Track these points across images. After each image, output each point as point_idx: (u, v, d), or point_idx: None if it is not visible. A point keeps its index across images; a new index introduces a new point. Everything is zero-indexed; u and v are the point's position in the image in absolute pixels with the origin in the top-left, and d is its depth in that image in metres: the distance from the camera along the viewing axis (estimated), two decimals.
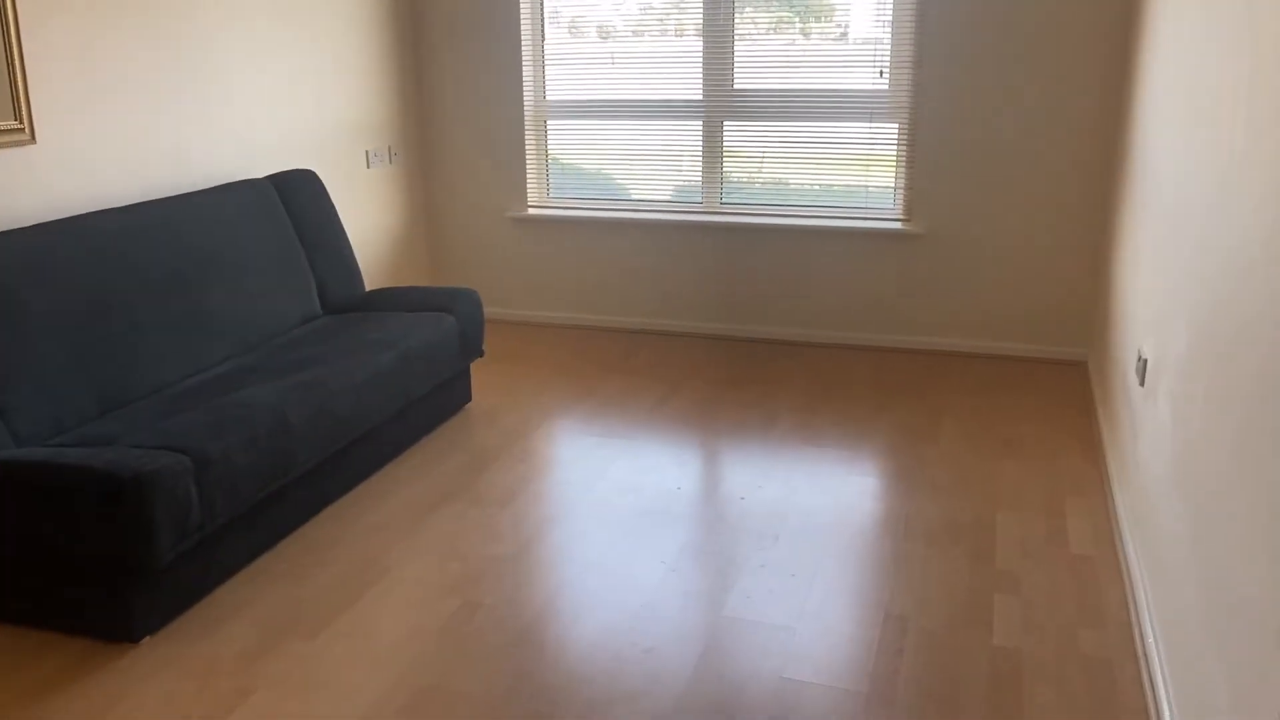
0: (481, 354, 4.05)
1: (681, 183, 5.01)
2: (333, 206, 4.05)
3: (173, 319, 3.21)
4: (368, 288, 4.85)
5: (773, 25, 4.68)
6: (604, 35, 4.95)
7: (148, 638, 2.56)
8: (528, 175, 5.15)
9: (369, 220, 4.84)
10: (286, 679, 2.40)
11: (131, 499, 2.37)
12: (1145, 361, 2.89)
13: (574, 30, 4.98)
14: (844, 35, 4.60)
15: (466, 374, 4.06)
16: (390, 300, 3.94)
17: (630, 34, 4.89)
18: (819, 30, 4.64)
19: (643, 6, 4.84)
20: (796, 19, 4.65)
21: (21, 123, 3.02)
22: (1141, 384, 2.92)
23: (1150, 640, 2.38)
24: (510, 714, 2.27)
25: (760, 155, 4.85)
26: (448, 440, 3.80)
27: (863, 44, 4.56)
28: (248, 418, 2.80)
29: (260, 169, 4.06)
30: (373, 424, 3.34)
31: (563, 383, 4.42)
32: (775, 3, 4.66)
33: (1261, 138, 1.86)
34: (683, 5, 4.77)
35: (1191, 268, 2.40)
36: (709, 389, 4.33)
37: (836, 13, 4.60)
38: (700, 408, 4.11)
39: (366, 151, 4.76)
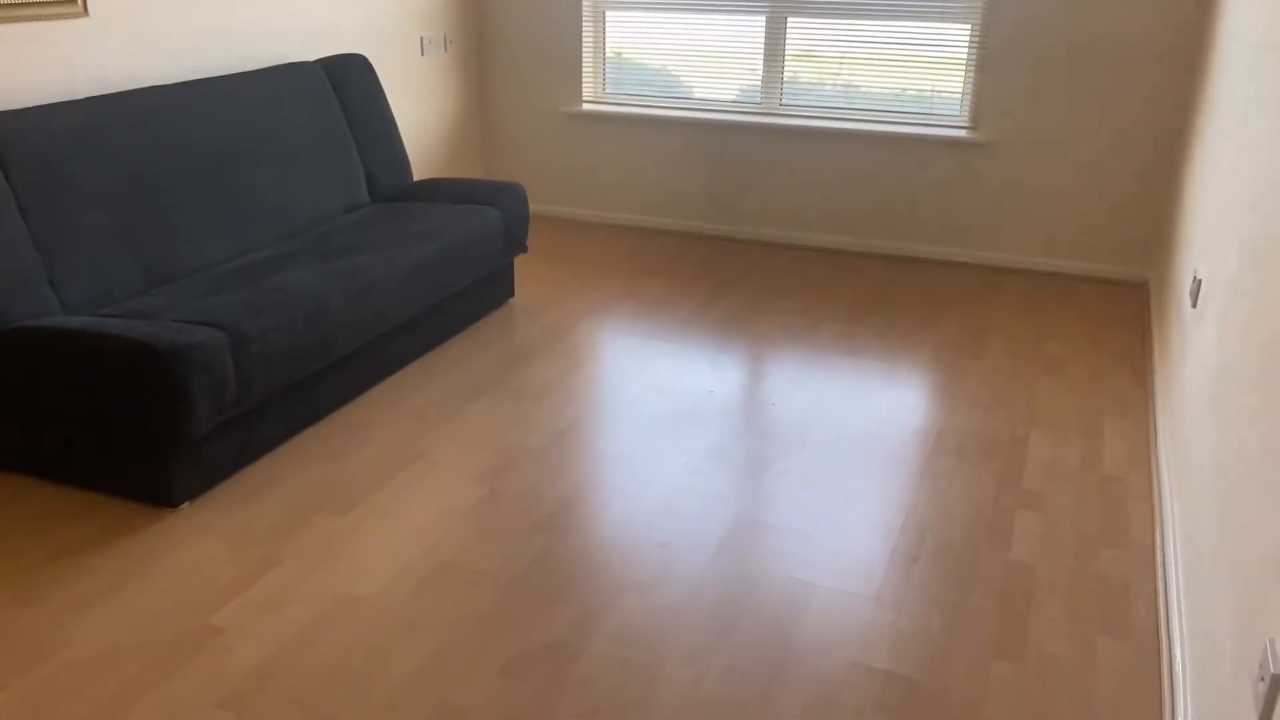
0: (525, 249, 4.05)
1: (741, 82, 4.88)
2: (383, 94, 4.04)
3: (219, 199, 3.26)
4: (417, 177, 4.86)
5: None
6: None
7: (186, 503, 2.67)
8: (583, 70, 5.06)
9: (421, 109, 4.82)
10: (312, 551, 2.49)
11: (168, 370, 2.45)
12: (1199, 283, 2.78)
13: None
14: None
15: (510, 269, 4.07)
16: (436, 191, 3.95)
17: None
18: None
19: None
20: None
21: None
22: (1194, 305, 2.81)
23: (1171, 564, 2.35)
24: (523, 593, 2.34)
25: (824, 55, 4.69)
26: (488, 333, 3.84)
27: None
28: (287, 300, 2.86)
29: (313, 52, 4.06)
30: (412, 314, 3.38)
31: (607, 282, 4.41)
32: None
33: None
34: None
35: (1250, 191, 2.28)
36: (754, 295, 4.28)
37: None
38: (743, 313, 4.08)
39: (421, 38, 4.72)
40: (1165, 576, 2.36)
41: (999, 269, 4.60)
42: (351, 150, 3.85)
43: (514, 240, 3.95)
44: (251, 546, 2.50)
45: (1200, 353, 2.55)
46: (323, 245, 3.36)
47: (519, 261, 4.62)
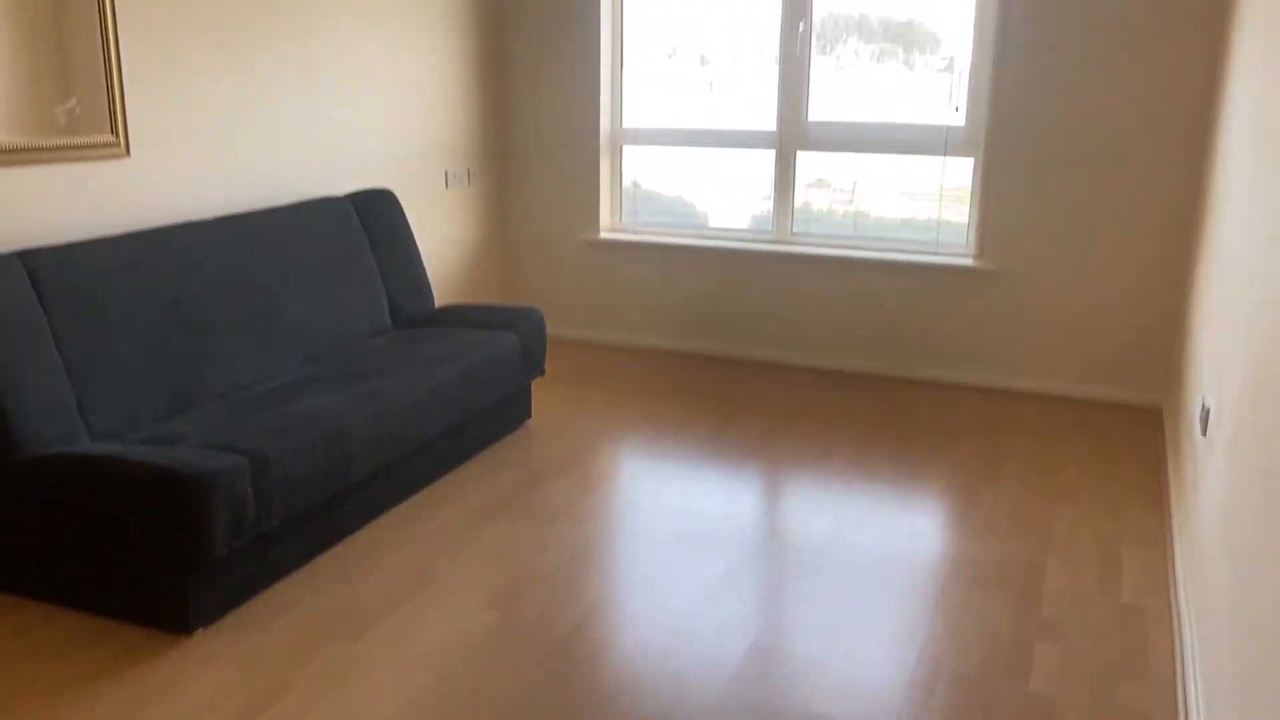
0: (543, 372, 4.13)
1: (753, 211, 5.04)
2: (407, 225, 4.19)
3: (247, 326, 3.37)
4: (440, 303, 4.99)
5: (848, 55, 4.69)
6: (680, 61, 5.02)
7: (201, 629, 2.68)
8: (601, 199, 5.24)
9: (444, 238, 4.99)
10: (324, 677, 2.48)
11: (190, 496, 2.49)
12: (1207, 410, 2.80)
13: (654, 52, 5.07)
14: (924, 65, 4.58)
15: (527, 391, 4.14)
16: (457, 317, 4.05)
17: (706, 63, 4.95)
18: (896, 60, 4.63)
19: (719, 35, 4.89)
20: (876, 49, 4.65)
21: (117, 137, 3.22)
22: (1204, 433, 2.83)
23: (1192, 696, 2.31)
24: None
25: (832, 185, 4.85)
26: (505, 455, 3.88)
27: (939, 77, 4.53)
28: (308, 425, 2.92)
29: (344, 187, 4.24)
30: (431, 436, 3.44)
31: (624, 405, 4.47)
32: (852, 35, 4.67)
33: None
34: (764, 42, 4.81)
35: (1250, 318, 2.33)
36: (769, 418, 4.32)
37: (921, 43, 4.59)
38: (759, 436, 4.12)
39: (446, 172, 4.92)
40: (1187, 709, 2.31)
41: (1012, 393, 4.63)
42: (376, 278, 3.98)
43: (532, 364, 4.03)
44: (263, 674, 2.50)
45: (1211, 482, 2.56)
46: (345, 369, 3.44)
47: (537, 384, 4.70)
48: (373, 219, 4.06)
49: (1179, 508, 3.19)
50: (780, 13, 4.71)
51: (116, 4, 3.17)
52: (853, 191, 4.85)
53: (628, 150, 5.21)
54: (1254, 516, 1.95)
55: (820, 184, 4.89)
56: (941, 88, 4.52)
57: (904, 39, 4.59)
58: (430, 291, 4.24)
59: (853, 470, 3.78)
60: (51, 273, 2.84)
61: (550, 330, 5.50)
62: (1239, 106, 3.14)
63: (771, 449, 3.99)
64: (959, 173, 4.57)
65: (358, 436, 3.05)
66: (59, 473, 2.62)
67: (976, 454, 3.94)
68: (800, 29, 4.70)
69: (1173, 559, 3.04)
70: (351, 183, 4.30)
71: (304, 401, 3.09)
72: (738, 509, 3.46)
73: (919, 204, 4.70)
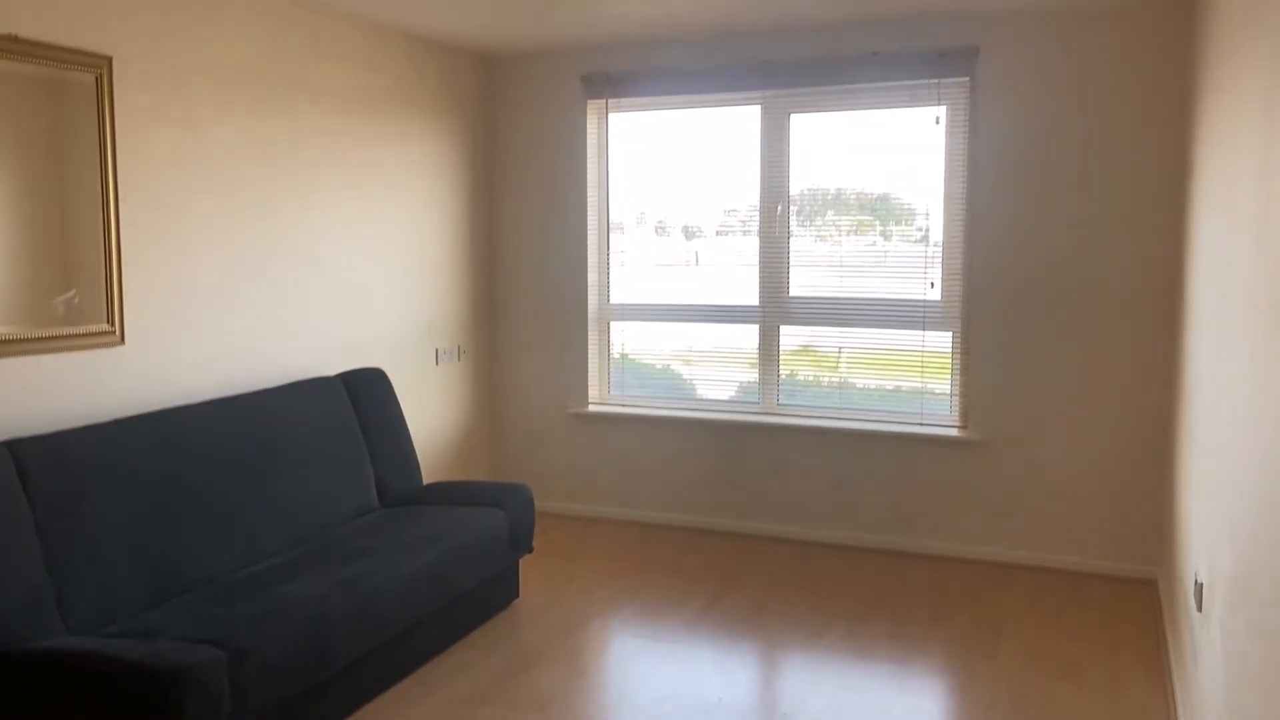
0: (531, 550, 4.08)
1: (739, 383, 5.11)
2: (397, 403, 4.24)
3: (232, 510, 3.35)
4: (430, 479, 4.98)
5: (826, 231, 4.88)
6: (687, 237, 5.20)
7: None
8: (590, 372, 5.32)
9: (434, 414, 5.03)
10: None
11: (164, 693, 2.42)
12: (1201, 585, 2.78)
13: (656, 230, 5.25)
14: (900, 235, 4.76)
15: (515, 569, 4.09)
16: (444, 494, 4.04)
17: (691, 236, 5.14)
18: (874, 232, 4.81)
19: (725, 214, 5.09)
20: (854, 221, 4.84)
21: (113, 326, 3.29)
22: (1199, 609, 2.79)
23: None
24: None
25: (817, 355, 4.94)
26: (492, 638, 3.79)
27: (913, 254, 4.70)
28: (288, 613, 2.86)
29: (337, 364, 4.30)
30: (416, 620, 3.37)
31: (613, 581, 4.40)
32: (831, 210, 4.87)
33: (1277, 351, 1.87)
34: (746, 218, 5.01)
35: (1232, 485, 2.34)
36: (760, 592, 4.25)
37: (897, 215, 4.78)
38: (750, 612, 4.04)
39: (436, 349, 5.01)
40: None
41: (1006, 565, 4.59)
42: (364, 457, 3.98)
43: (520, 541, 3.99)
44: None
45: (1210, 660, 2.51)
46: (330, 552, 3.40)
47: (525, 561, 4.63)
48: (363, 398, 4.10)
49: (1180, 686, 3.11)
50: (759, 195, 4.92)
51: (120, 196, 3.31)
52: (838, 360, 4.94)
53: (615, 326, 5.33)
54: (1256, 697, 1.90)
55: (806, 351, 4.98)
56: (918, 261, 4.68)
57: (879, 212, 4.79)
58: (418, 469, 4.25)
59: (847, 647, 3.70)
60: (38, 462, 2.84)
61: (539, 504, 5.47)
62: (1203, 276, 3.25)
63: (764, 625, 3.91)
64: (939, 341, 4.68)
65: (340, 624, 2.98)
66: (31, 670, 2.55)
67: (973, 629, 3.86)
68: (779, 211, 4.90)
69: None
70: (344, 360, 4.36)
71: (285, 588, 3.04)
72: (732, 693, 3.36)
73: (902, 373, 4.79)
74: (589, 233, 5.24)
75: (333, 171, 4.27)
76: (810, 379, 4.99)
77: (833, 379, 4.95)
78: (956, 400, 4.68)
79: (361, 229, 4.46)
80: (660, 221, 5.21)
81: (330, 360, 4.29)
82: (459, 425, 5.24)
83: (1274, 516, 1.81)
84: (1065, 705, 3.24)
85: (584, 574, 4.50)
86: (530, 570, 4.51)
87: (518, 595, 4.13)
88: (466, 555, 3.61)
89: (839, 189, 4.85)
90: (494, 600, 3.95)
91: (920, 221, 4.70)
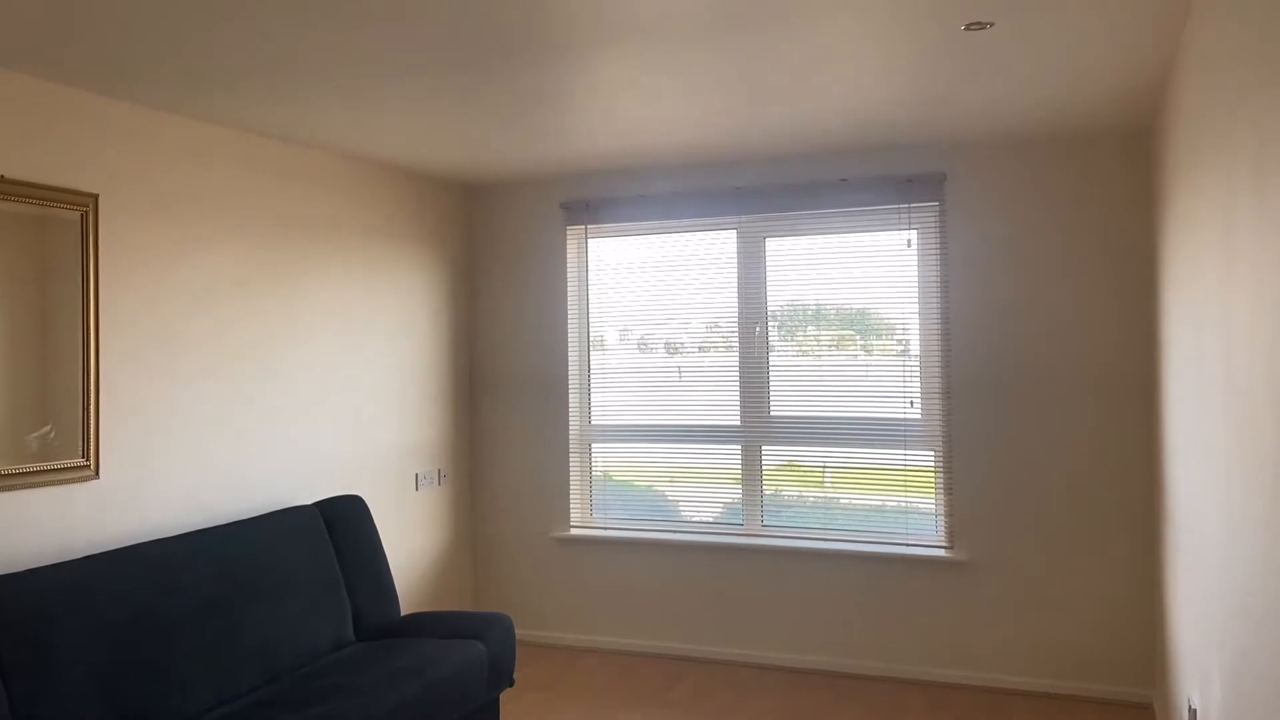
0: (512, 683, 3.97)
1: (723, 503, 5.08)
2: (375, 533, 4.18)
3: (206, 646, 3.25)
4: (409, 608, 4.87)
5: (807, 346, 4.93)
6: (670, 352, 5.24)
7: None
8: (571, 497, 5.28)
9: (414, 540, 4.95)
10: None
11: None
12: (1195, 711, 2.72)
13: (607, 349, 5.29)
14: (881, 350, 4.81)
15: (495, 705, 3.96)
16: (422, 626, 3.94)
17: (675, 355, 5.18)
18: (854, 345, 4.86)
19: (688, 330, 5.15)
20: (834, 336, 4.89)
21: (88, 460, 3.26)
22: None
23: None
24: None
25: (800, 475, 4.93)
26: None
27: (892, 370, 4.74)
28: None
29: (315, 491, 4.25)
30: None
31: (597, 715, 4.26)
32: (811, 325, 4.93)
33: (1257, 469, 1.87)
34: (718, 333, 5.06)
35: (1217, 609, 2.32)
36: None
37: (876, 330, 4.84)
38: None
39: (416, 474, 4.97)
40: None
41: (1000, 691, 4.48)
42: (341, 589, 3.90)
43: (500, 674, 3.88)
44: None
45: None
46: (304, 690, 3.29)
47: (506, 695, 4.49)
48: (341, 527, 4.04)
49: None
50: (738, 315, 4.99)
51: (101, 330, 3.32)
52: (822, 479, 4.92)
53: (596, 448, 5.31)
54: None
55: (789, 469, 4.97)
56: (897, 378, 4.72)
57: (859, 326, 4.85)
58: (396, 599, 4.15)
59: None
60: (5, 601, 2.77)
61: (520, 633, 5.35)
62: (1176, 395, 3.29)
63: None
64: (922, 460, 4.68)
65: None
66: None
67: None
68: (757, 331, 4.96)
69: None
70: (323, 487, 4.32)
71: None
72: None
73: (886, 492, 4.77)
74: (570, 355, 5.27)
75: (314, 299, 4.32)
76: (794, 498, 4.96)
77: (817, 498, 4.92)
78: (942, 520, 4.65)
79: (342, 355, 4.48)
80: (641, 340, 5.26)
81: (309, 487, 4.25)
82: (439, 551, 5.16)
83: (1264, 632, 1.79)
84: None
85: (567, 709, 4.36)
86: (511, 705, 4.37)
87: None
88: (445, 691, 3.50)
89: (819, 304, 4.92)
90: None
91: (899, 339, 4.76)
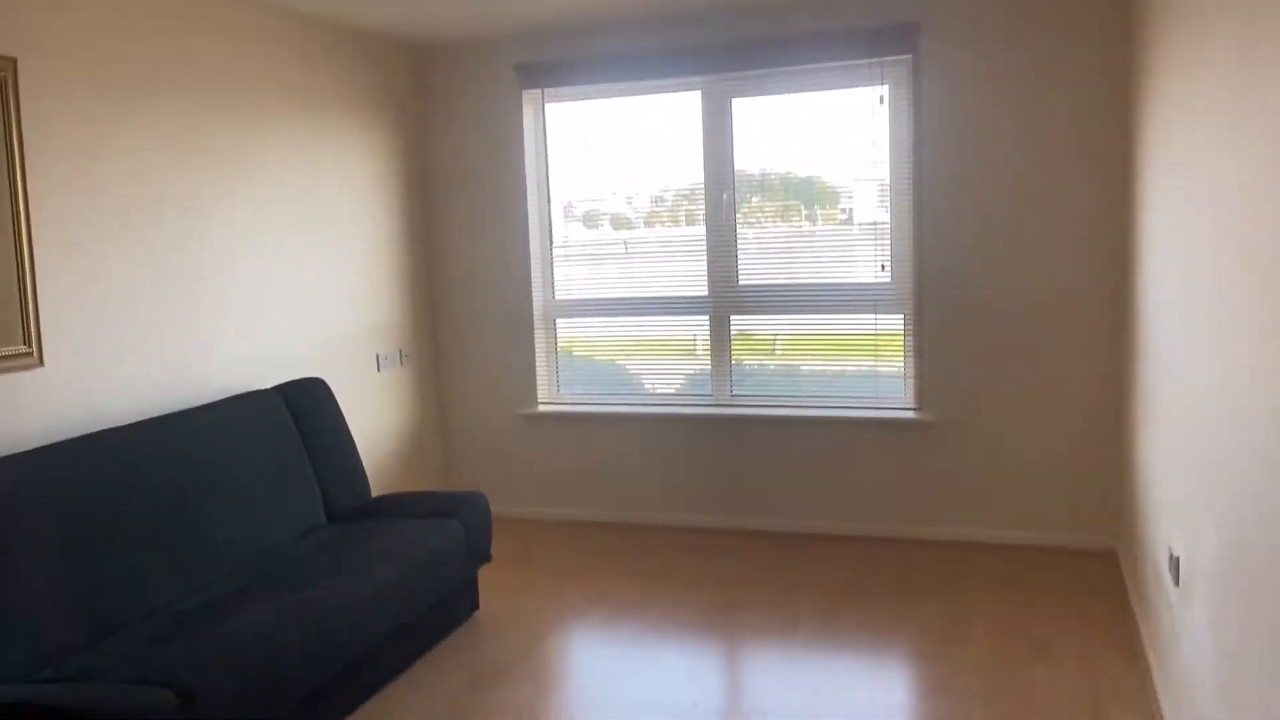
0: (489, 559, 3.94)
1: (692, 375, 5.02)
2: (340, 414, 4.05)
3: (170, 538, 3.15)
4: (377, 492, 4.79)
5: (778, 214, 4.80)
6: (612, 226, 5.08)
7: None
8: (537, 372, 5.18)
9: (379, 423, 4.84)
10: None
11: None
12: (1177, 560, 2.76)
13: (578, 220, 5.12)
14: (847, 220, 4.70)
15: (473, 581, 3.93)
16: (395, 507, 3.87)
17: (638, 227, 5.02)
18: (823, 218, 4.74)
19: (652, 200, 4.98)
20: (801, 206, 4.77)
21: (30, 347, 3.06)
22: (1176, 584, 2.77)
23: None
24: None
25: (768, 347, 4.87)
26: (453, 655, 3.64)
27: (863, 237, 4.64)
28: (238, 647, 2.69)
29: (272, 377, 4.10)
30: (373, 642, 3.20)
31: (574, 586, 4.27)
32: (779, 194, 4.79)
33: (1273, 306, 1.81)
34: (686, 200, 4.91)
35: (1212, 457, 2.31)
36: (726, 589, 4.17)
37: (841, 201, 4.72)
38: (718, 610, 3.95)
39: (377, 355, 4.82)
40: None
41: (969, 545, 4.57)
42: (308, 473, 3.79)
43: (477, 551, 3.84)
44: None
45: (1194, 638, 2.48)
46: (278, 577, 3.22)
47: (483, 570, 4.48)
48: (304, 410, 3.91)
49: (1157, 661, 3.10)
50: (704, 182, 4.82)
51: (32, 206, 3.07)
52: (791, 347, 4.87)
53: (561, 323, 5.19)
54: (1254, 677, 1.86)
55: (757, 338, 4.90)
56: (868, 243, 4.62)
57: (827, 190, 4.72)
58: (366, 482, 4.06)
59: (821, 641, 3.63)
60: None
61: (494, 509, 5.31)
62: (1158, 250, 3.24)
63: (733, 622, 3.82)
64: (892, 325, 4.64)
65: (293, 654, 2.81)
66: None
67: (945, 614, 3.82)
68: (725, 198, 4.81)
69: (1162, 718, 2.92)
70: (280, 372, 4.16)
71: (233, 619, 2.85)
72: (707, 696, 3.26)
73: (856, 358, 4.73)
74: (531, 228, 5.09)
75: (259, 172, 4.06)
76: (763, 367, 4.91)
77: (786, 367, 4.87)
78: (911, 383, 4.64)
79: (292, 232, 4.25)
80: (603, 211, 5.08)
81: (266, 372, 4.09)
82: (406, 433, 5.06)
83: (1271, 495, 1.76)
84: (1043, 687, 3.21)
85: (544, 581, 4.37)
86: (489, 580, 4.35)
87: (477, 607, 3.98)
88: (424, 570, 3.46)
89: (787, 169, 4.77)
90: (453, 614, 3.80)
91: (870, 203, 4.64)
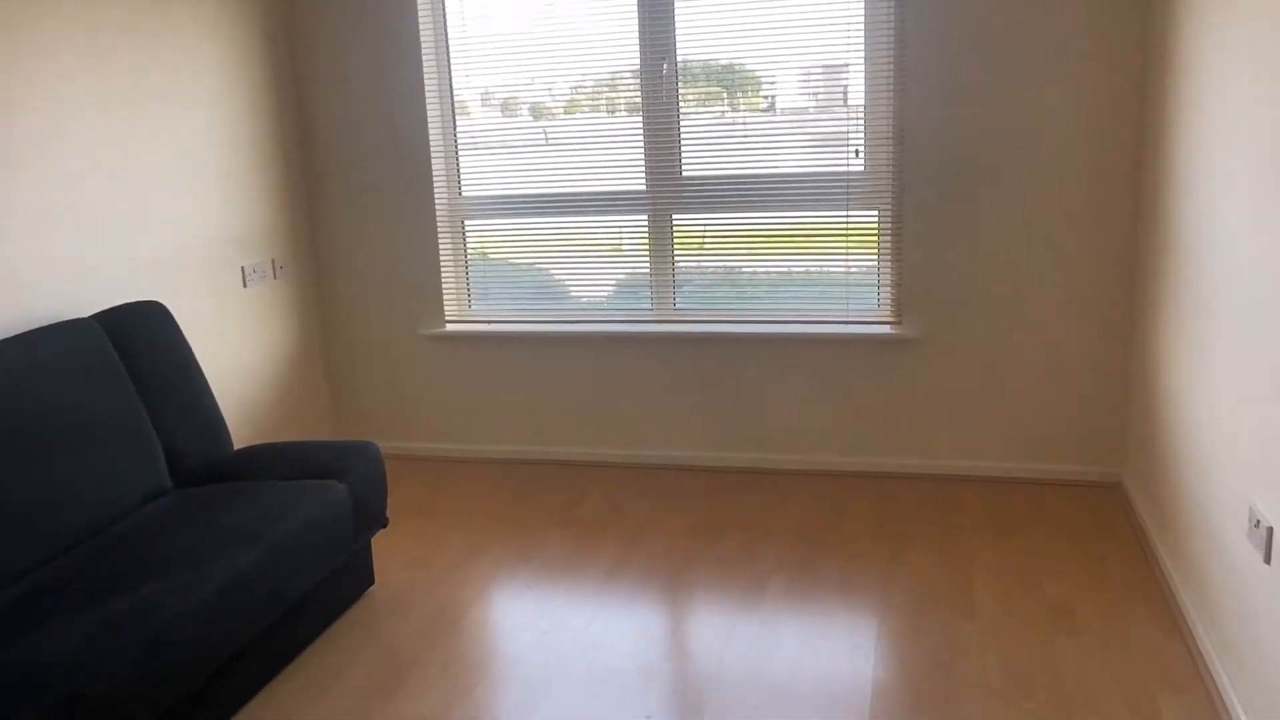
0: (385, 524, 3.18)
1: (629, 285, 4.24)
2: (185, 346, 3.19)
3: None
4: (254, 438, 3.97)
5: (711, 98, 3.98)
6: (532, 115, 4.21)
7: None
8: (443, 285, 4.35)
9: (248, 352, 3.98)
10: None
11: None
12: (1270, 530, 2.14)
13: (493, 107, 4.23)
14: (816, 100, 3.91)
15: (366, 553, 3.18)
16: (262, 465, 3.07)
17: (560, 115, 4.16)
18: (721, 104, 3.94)
19: (574, 85, 4.11)
20: (700, 93, 3.96)
21: None
22: (1267, 560, 2.16)
23: None
24: None
25: (717, 252, 4.11)
26: (345, 645, 2.91)
27: (834, 121, 3.87)
28: (31, 685, 1.91)
29: (102, 299, 3.21)
30: (234, 650, 2.45)
31: (495, 542, 3.56)
32: (724, 74, 3.97)
33: None
34: (617, 83, 4.05)
35: None
36: (678, 540, 3.50)
37: (743, 85, 3.92)
38: (668, 568, 3.28)
39: (243, 268, 3.92)
40: None
41: (953, 478, 3.96)
42: (144, 423, 2.95)
43: (369, 517, 3.08)
44: None
45: None
46: (99, 569, 2.42)
47: (379, 537, 3.73)
48: (134, 343, 3.04)
49: (1221, 644, 2.51)
50: (639, 53, 3.97)
51: None
52: (745, 251, 4.12)
53: (471, 224, 4.34)
54: None
55: (706, 241, 4.14)
56: (838, 125, 3.85)
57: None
58: (226, 431, 3.23)
59: (795, 608, 2.99)
60: None
61: (394, 446, 4.53)
62: (1229, 108, 2.54)
63: (688, 584, 3.16)
64: (866, 222, 3.91)
65: (115, 685, 2.05)
66: None
67: (938, 568, 3.21)
68: (664, 71, 3.97)
69: (1230, 705, 2.35)
70: (113, 293, 3.27)
71: (32, 639, 2.07)
72: (659, 697, 2.60)
73: (824, 261, 4.01)
74: (430, 114, 4.18)
75: (88, 58, 3.08)
76: (713, 274, 4.16)
77: (739, 275, 4.13)
78: (888, 291, 3.95)
79: (126, 123, 3.30)
80: (518, 94, 4.20)
81: (94, 293, 3.19)
82: (284, 363, 4.21)
83: None
84: (1072, 670, 2.62)
85: (458, 537, 3.64)
86: (387, 542, 3.61)
87: (373, 582, 3.24)
88: (296, 551, 2.69)
89: (684, 59, 3.93)
90: (342, 593, 3.05)
91: (839, 82, 3.86)
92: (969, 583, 3.12)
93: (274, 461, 3.08)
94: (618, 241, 4.20)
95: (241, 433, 3.89)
